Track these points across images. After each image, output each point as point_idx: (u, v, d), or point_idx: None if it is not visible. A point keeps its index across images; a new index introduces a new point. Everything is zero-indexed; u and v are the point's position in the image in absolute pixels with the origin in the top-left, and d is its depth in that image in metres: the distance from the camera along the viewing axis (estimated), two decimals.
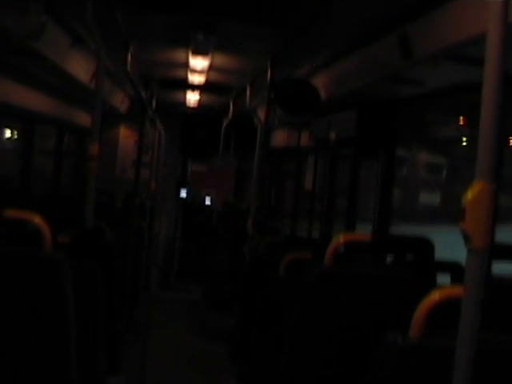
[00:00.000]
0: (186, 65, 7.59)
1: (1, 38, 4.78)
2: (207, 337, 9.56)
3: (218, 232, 11.49)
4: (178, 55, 7.22)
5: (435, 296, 2.33)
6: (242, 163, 13.88)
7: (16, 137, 10.10)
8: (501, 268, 3.54)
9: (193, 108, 12.40)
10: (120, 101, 10.78)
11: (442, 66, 4.26)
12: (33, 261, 3.34)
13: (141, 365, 7.18)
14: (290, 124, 10.40)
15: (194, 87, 9.67)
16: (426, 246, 3.62)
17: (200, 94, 10.51)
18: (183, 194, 13.98)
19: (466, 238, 1.98)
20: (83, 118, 9.79)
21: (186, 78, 8.70)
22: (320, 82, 6.68)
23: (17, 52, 5.51)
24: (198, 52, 6.67)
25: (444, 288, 2.41)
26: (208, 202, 14.23)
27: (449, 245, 4.59)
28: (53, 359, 3.34)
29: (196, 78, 8.64)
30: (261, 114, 7.98)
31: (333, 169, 8.41)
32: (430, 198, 24.76)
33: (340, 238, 3.62)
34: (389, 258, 4.23)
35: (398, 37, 4.40)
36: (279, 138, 11.24)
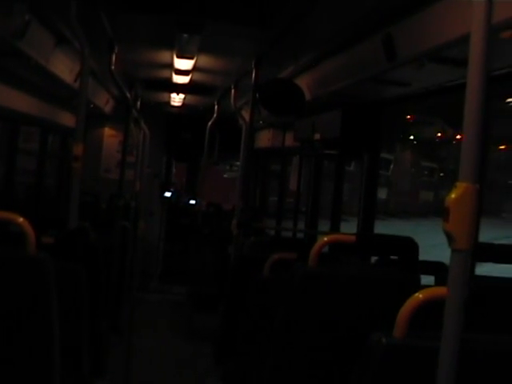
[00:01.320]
0: (171, 65, 7.58)
1: None
2: (192, 337, 9.55)
3: (203, 232, 11.49)
4: (163, 56, 7.21)
5: (419, 296, 2.34)
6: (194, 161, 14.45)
7: None
8: None
9: (177, 108, 12.39)
10: (104, 101, 10.75)
11: (426, 67, 4.27)
12: (16, 261, 3.32)
13: (125, 366, 7.16)
14: (275, 124, 10.41)
15: (178, 88, 9.66)
16: (410, 246, 3.63)
17: (184, 95, 10.51)
18: (167, 193, 13.98)
19: (450, 238, 1.98)
20: (67, 118, 9.76)
21: (171, 79, 8.69)
22: (304, 82, 6.69)
23: (0, 51, 5.49)
24: (183, 53, 6.67)
25: (428, 288, 2.42)
26: (193, 202, 14.23)
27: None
28: (36, 360, 3.33)
29: (180, 79, 8.63)
30: (245, 114, 7.98)
31: (317, 169, 8.43)
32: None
33: (324, 239, 3.63)
34: (373, 258, 4.24)
35: (382, 38, 4.41)
36: (264, 138, 11.25)
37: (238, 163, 9.05)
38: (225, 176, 15.06)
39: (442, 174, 32.35)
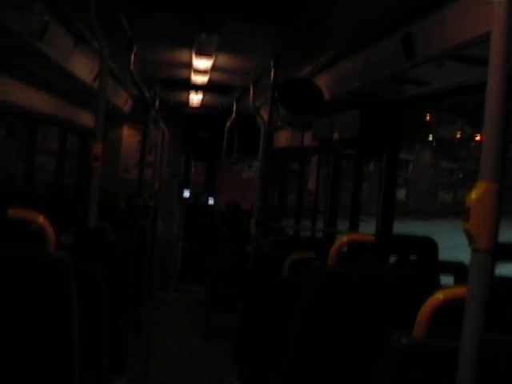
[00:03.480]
0: (190, 65, 7.59)
1: (4, 38, 4.78)
2: (210, 337, 9.56)
3: (222, 232, 11.49)
4: (182, 55, 7.22)
5: (439, 296, 2.33)
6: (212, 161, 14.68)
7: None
8: None
9: (196, 108, 12.40)
10: (123, 101, 10.78)
11: (446, 66, 4.25)
12: (36, 260, 3.34)
13: (144, 365, 7.18)
14: (294, 124, 10.40)
15: (197, 87, 9.67)
16: (430, 246, 3.62)
17: (203, 94, 10.52)
18: (186, 193, 13.99)
19: (470, 238, 1.97)
20: (87, 118, 9.80)
21: (189, 78, 8.70)
22: (323, 81, 6.68)
23: (20, 52, 5.51)
24: (202, 52, 6.67)
25: (448, 288, 2.41)
26: (211, 201, 14.24)
27: None
28: (56, 359, 3.34)
29: (199, 78, 8.64)
30: (264, 113, 7.98)
31: (336, 168, 8.41)
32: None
33: (344, 238, 3.62)
34: (392, 258, 4.22)
35: (401, 36, 4.40)
36: (282, 137, 11.24)
37: (257, 163, 9.04)
38: (243, 176, 14.97)
39: (461, 176, 32.17)
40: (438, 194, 32.75)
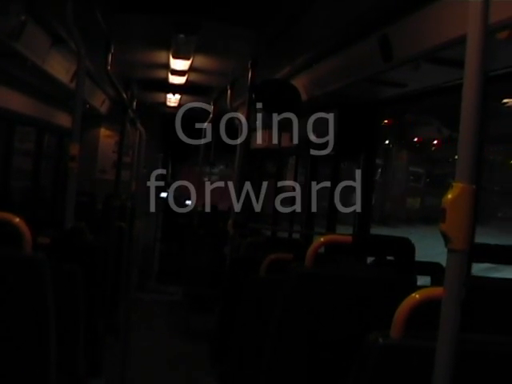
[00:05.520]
0: (167, 66, 7.58)
1: None
2: (188, 338, 9.54)
3: (199, 232, 11.48)
4: (159, 56, 7.21)
5: (416, 296, 2.34)
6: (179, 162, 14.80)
7: None
8: None
9: (174, 109, 12.38)
10: (100, 101, 10.74)
11: (423, 68, 4.28)
12: (12, 261, 3.32)
13: (121, 366, 7.15)
14: (271, 125, 10.40)
15: (174, 88, 9.66)
16: (407, 247, 3.63)
17: (181, 95, 10.50)
18: (163, 194, 13.96)
19: (446, 239, 1.98)
20: (63, 119, 9.75)
21: (167, 79, 8.69)
22: (301, 83, 6.69)
23: None
24: (179, 53, 6.67)
25: (424, 288, 2.42)
26: (188, 202, 14.22)
27: None
28: (32, 360, 3.32)
29: (177, 79, 8.63)
30: (242, 114, 7.98)
31: (313, 169, 8.42)
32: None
33: (321, 239, 3.63)
34: (369, 259, 4.24)
35: (378, 38, 4.42)
36: (260, 138, 11.24)
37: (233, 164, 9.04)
38: (206, 181, 14.24)
39: (428, 180, 32.21)
40: (405, 199, 32.69)
